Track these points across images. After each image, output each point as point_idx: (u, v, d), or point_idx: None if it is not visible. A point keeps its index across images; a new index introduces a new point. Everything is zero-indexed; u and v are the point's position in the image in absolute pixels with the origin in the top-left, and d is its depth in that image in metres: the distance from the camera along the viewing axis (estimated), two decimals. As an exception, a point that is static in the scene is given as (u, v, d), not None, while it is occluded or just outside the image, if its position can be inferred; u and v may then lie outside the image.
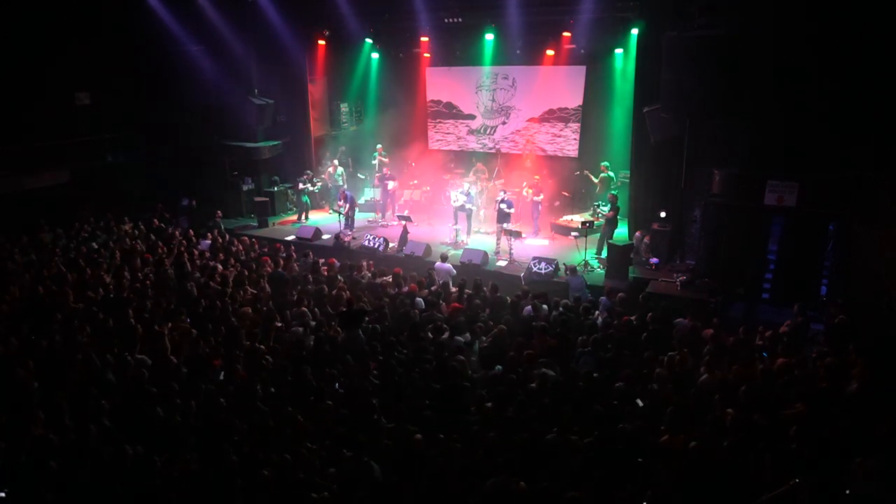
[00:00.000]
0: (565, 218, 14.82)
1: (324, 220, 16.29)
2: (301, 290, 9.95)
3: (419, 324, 8.38)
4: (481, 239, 14.46)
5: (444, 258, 11.50)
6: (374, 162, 17.35)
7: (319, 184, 16.93)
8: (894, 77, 8.82)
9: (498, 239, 13.33)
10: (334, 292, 9.87)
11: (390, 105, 17.82)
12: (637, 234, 12.45)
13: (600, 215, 13.37)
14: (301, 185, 16.30)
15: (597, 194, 14.88)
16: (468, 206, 14.00)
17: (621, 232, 13.06)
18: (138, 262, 11.07)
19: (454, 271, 11.34)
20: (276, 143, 17.13)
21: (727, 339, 7.79)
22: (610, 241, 11.95)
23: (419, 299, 9.51)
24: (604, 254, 12.12)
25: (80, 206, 14.63)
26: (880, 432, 5.20)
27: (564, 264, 11.34)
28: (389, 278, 10.65)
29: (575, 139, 16.29)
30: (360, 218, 16.27)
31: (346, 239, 13.95)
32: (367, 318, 8.64)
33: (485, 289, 10.09)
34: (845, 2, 9.03)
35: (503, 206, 13.11)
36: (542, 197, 14.42)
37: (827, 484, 4.39)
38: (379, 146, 17.29)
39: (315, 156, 17.41)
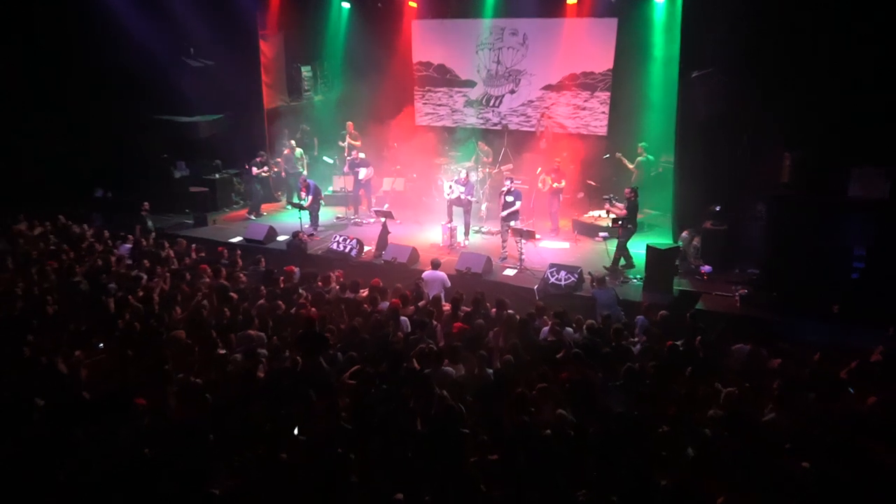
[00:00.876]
0: (591, 214, 14.90)
1: (280, 216, 16.33)
2: (250, 307, 9.95)
3: (403, 350, 8.37)
4: (483, 241, 14.53)
5: (435, 265, 11.55)
6: (343, 143, 17.39)
7: (275, 170, 16.96)
8: None
9: (504, 241, 13.37)
10: (293, 310, 9.87)
11: (365, 69, 17.91)
12: (684, 234, 12.52)
13: (610, 216, 13.47)
14: (252, 172, 16.31)
15: (631, 183, 14.95)
16: (466, 198, 14.05)
17: (661, 237, 13.18)
18: (36, 271, 11.01)
19: (449, 282, 11.40)
20: (217, 116, 17.18)
21: (800, 370, 7.83)
22: (624, 247, 12.11)
23: (404, 319, 9.53)
24: (625, 267, 12.14)
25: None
26: None
27: (590, 273, 11.38)
28: (365, 292, 10.67)
29: (604, 112, 16.40)
30: (327, 214, 16.31)
31: (308, 241, 13.94)
32: (335, 344, 8.57)
33: (487, 305, 10.10)
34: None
35: (509, 198, 13.20)
36: (563, 184, 14.51)
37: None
38: (349, 123, 17.32)
39: (269, 134, 17.49)
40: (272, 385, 7.60)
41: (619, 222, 12.36)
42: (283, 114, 17.90)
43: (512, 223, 13.04)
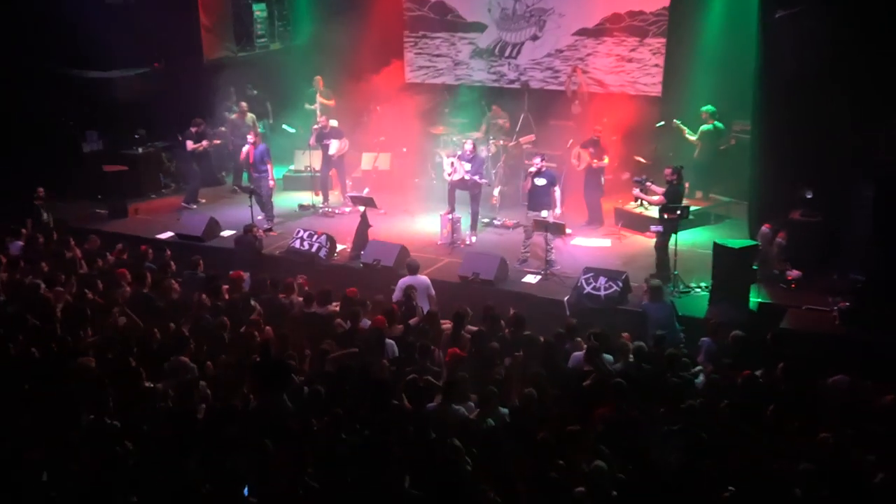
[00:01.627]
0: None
1: (225, 204, 16.32)
2: (185, 325, 9.92)
3: (390, 383, 8.36)
4: (496, 236, 14.50)
5: (412, 268, 11.63)
6: (310, 106, 17.38)
7: (217, 143, 16.96)
8: None
9: (527, 237, 13.35)
10: (243, 330, 9.85)
11: (339, 7, 17.95)
12: (764, 228, 12.50)
13: (644, 205, 13.45)
14: (187, 146, 16.29)
15: (694, 160, 14.94)
16: (473, 179, 14.04)
17: (734, 231, 13.12)
18: None
19: (433, 291, 11.46)
20: (141, 71, 17.14)
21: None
22: (662, 250, 12.16)
23: (390, 341, 9.53)
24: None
25: None
26: None
27: (647, 281, 11.34)
28: (338, 305, 10.61)
29: (657, 66, 16.41)
30: (288, 202, 16.29)
31: (262, 236, 13.96)
32: (299, 375, 8.55)
33: (502, 323, 10.03)
34: None
35: (540, 181, 13.14)
36: (606, 162, 14.48)
37: None
38: (318, 78, 17.31)
39: (210, 94, 17.45)
40: (215, 430, 7.55)
41: (675, 212, 12.31)
42: (229, 67, 17.89)
43: (542, 214, 13.02)
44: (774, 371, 8.72)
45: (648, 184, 13.02)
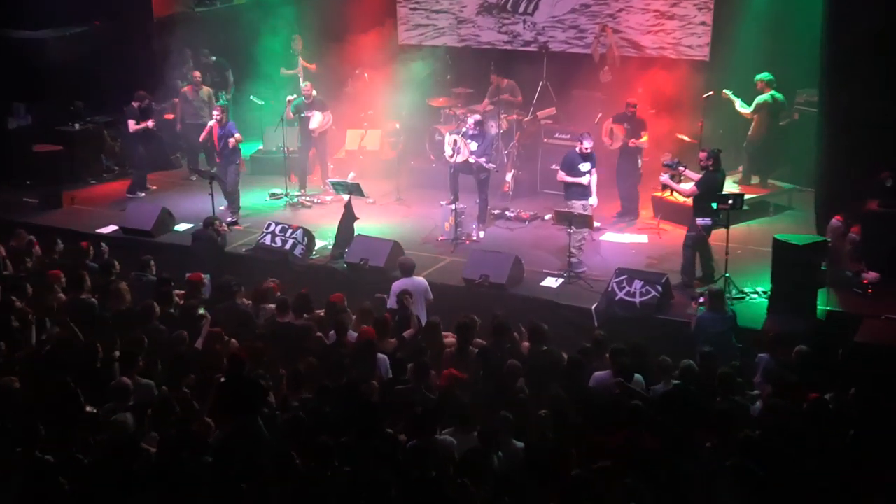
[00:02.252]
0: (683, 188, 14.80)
1: (180, 192, 16.36)
2: (134, 338, 9.86)
3: (381, 408, 8.36)
4: (508, 231, 14.53)
5: (407, 269, 11.65)
6: (288, 72, 17.37)
7: (167, 118, 16.93)
8: None
9: (582, 237, 13.09)
10: (202, 343, 9.89)
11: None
12: (834, 221, 12.47)
13: (663, 187, 13.52)
14: (130, 126, 16.24)
15: (749, 137, 14.90)
16: (480, 162, 14.04)
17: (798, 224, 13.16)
18: None
19: (431, 294, 11.47)
20: (78, 30, 17.10)
21: None
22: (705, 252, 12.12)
23: (382, 356, 9.57)
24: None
25: None
26: None
27: (709, 289, 11.30)
28: (320, 313, 10.64)
29: (704, 24, 16.39)
30: (255, 189, 16.32)
31: (225, 231, 13.95)
32: (273, 397, 8.54)
33: (516, 335, 10.05)
34: None
35: (583, 166, 13.15)
36: (644, 140, 14.48)
37: None
38: (298, 38, 17.28)
39: (160, 60, 17.46)
40: (169, 464, 7.52)
41: (727, 202, 12.26)
42: (184, 26, 17.89)
43: (590, 201, 13.05)
44: (845, 394, 8.68)
45: (682, 168, 12.94)
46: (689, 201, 13.92)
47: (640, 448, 7.71)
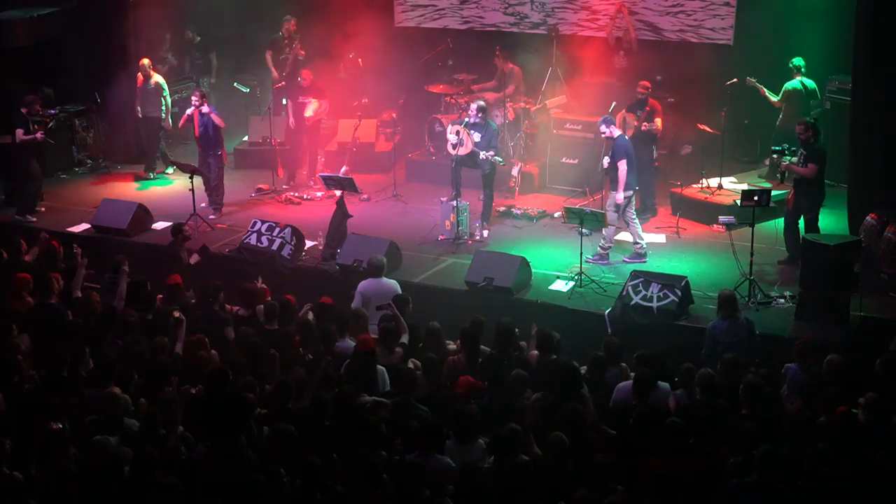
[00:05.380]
0: (705, 183, 14.80)
1: (156, 186, 16.41)
2: (108, 347, 9.89)
3: (380, 425, 8.27)
4: (515, 230, 14.56)
5: (376, 267, 11.62)
6: (279, 57, 17.33)
7: (156, 111, 16.87)
8: None
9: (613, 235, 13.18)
10: (182, 351, 9.92)
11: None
12: (869, 219, 12.57)
13: (781, 175, 13.31)
14: (21, 134, 15.73)
15: (777, 128, 14.84)
16: (484, 155, 13.97)
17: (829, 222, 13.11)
18: None
19: (410, 301, 11.25)
20: (47, 11, 17.08)
21: None
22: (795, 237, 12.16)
23: (381, 368, 9.58)
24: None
25: None
26: None
27: (721, 292, 11.18)
28: (310, 317, 10.67)
29: (728, 5, 16.44)
30: (240, 184, 16.28)
31: (194, 237, 13.85)
32: (259, 414, 8.52)
33: (523, 344, 10.07)
34: None
35: (608, 159, 13.19)
36: (659, 126, 14.49)
37: None
38: (292, 20, 17.25)
39: (134, 41, 17.45)
40: (146, 487, 7.43)
41: (752, 198, 12.20)
42: (161, 4, 17.79)
43: (626, 196, 13.05)
44: (886, 408, 8.57)
45: (786, 154, 12.91)
46: (712, 198, 14.04)
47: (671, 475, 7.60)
